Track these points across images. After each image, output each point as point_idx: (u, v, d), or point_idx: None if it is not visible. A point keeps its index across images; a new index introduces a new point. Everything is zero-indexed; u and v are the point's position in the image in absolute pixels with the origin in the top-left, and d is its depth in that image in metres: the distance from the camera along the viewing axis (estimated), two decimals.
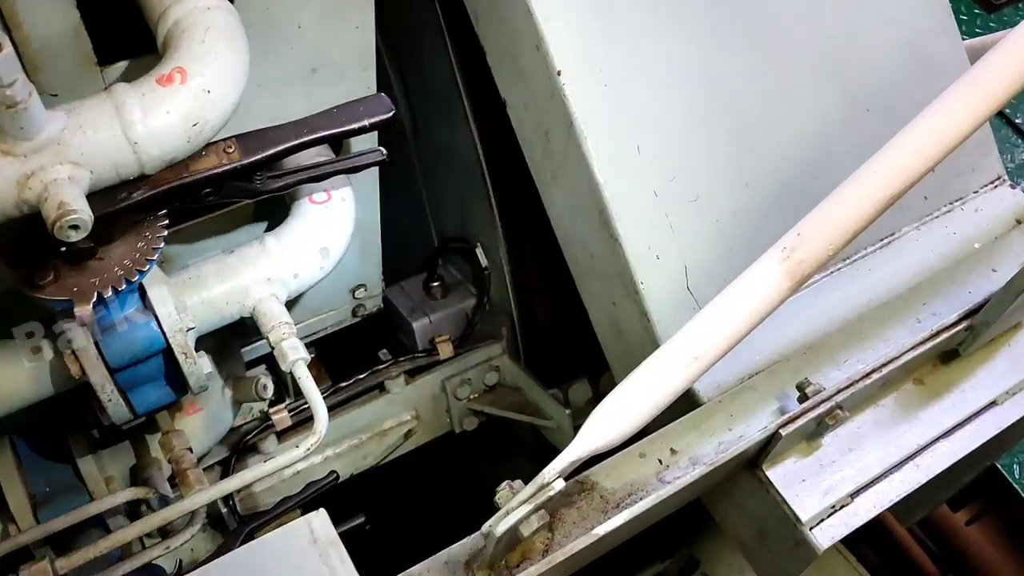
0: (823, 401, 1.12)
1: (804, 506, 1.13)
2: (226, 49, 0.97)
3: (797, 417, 1.11)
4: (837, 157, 1.36)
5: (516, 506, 0.96)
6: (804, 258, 0.95)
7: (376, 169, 1.46)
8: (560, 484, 0.98)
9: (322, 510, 0.91)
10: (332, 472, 1.41)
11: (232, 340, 1.45)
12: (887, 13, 1.42)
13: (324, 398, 1.65)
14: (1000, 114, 2.57)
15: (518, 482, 1.00)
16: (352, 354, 1.81)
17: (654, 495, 1.06)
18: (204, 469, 1.60)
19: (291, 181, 1.11)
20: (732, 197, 1.29)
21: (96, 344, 1.05)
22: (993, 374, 1.27)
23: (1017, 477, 2.05)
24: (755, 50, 1.33)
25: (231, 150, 1.02)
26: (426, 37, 1.53)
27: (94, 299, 0.97)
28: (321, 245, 1.22)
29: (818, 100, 1.36)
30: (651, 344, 1.27)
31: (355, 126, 1.08)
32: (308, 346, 1.76)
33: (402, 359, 1.72)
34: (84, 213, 0.88)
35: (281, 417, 1.58)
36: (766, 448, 1.12)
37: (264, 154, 1.04)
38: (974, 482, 1.89)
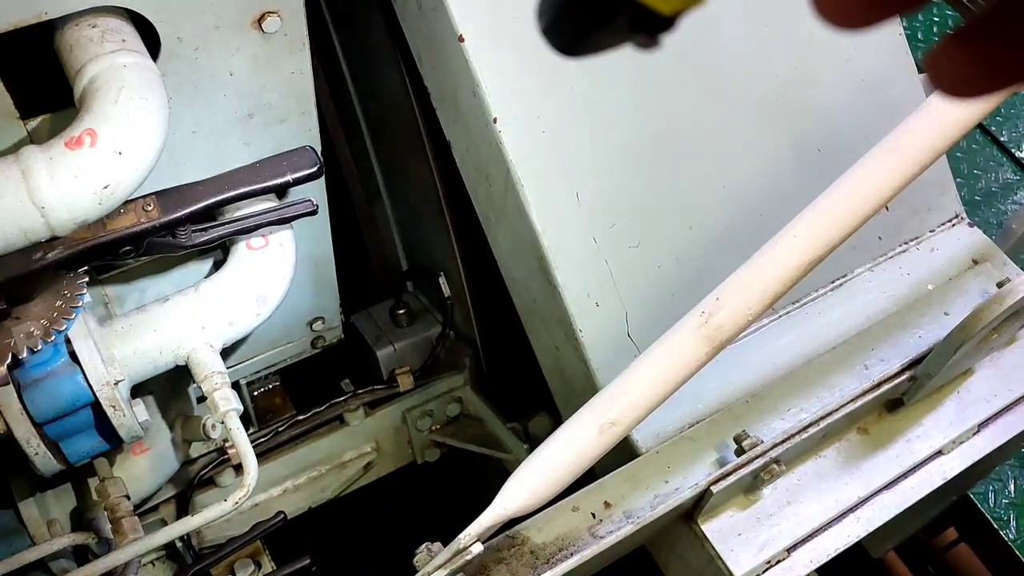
0: (758, 456, 1.11)
1: (739, 561, 1.12)
2: (140, 109, 0.96)
3: (730, 473, 1.09)
4: (787, 199, 1.33)
5: (432, 571, 0.96)
6: (723, 323, 0.93)
7: (327, 209, 1.44)
8: (478, 548, 0.97)
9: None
10: (280, 513, 1.40)
11: (182, 378, 1.44)
12: (840, 52, 1.39)
13: (281, 431, 1.69)
14: (985, 132, 2.54)
15: (437, 544, 0.99)
16: (320, 380, 1.81)
17: (586, 550, 1.05)
18: (160, 503, 1.61)
19: (217, 235, 1.10)
20: (675, 242, 1.28)
21: (20, 398, 1.05)
22: (940, 423, 1.25)
23: (991, 506, 2.02)
24: (700, 93, 1.31)
25: (150, 208, 1.01)
26: (386, 72, 1.52)
27: (8, 361, 0.97)
28: (258, 292, 1.21)
29: (766, 142, 1.34)
30: (591, 390, 1.25)
31: (278, 181, 1.07)
32: (272, 375, 1.77)
33: (361, 391, 1.71)
34: None
35: (235, 452, 1.58)
36: (700, 502, 1.11)
37: (184, 211, 1.03)
38: (949, 508, 1.88)
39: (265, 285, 1.22)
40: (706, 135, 1.30)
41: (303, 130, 1.29)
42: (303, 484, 1.68)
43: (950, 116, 0.98)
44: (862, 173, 0.96)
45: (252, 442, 1.59)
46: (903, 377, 1.19)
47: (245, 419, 1.64)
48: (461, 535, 0.96)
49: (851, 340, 1.30)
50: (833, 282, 1.38)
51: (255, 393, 1.74)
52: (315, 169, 1.09)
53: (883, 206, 0.96)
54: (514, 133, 1.19)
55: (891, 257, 1.41)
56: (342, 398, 1.70)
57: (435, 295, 1.81)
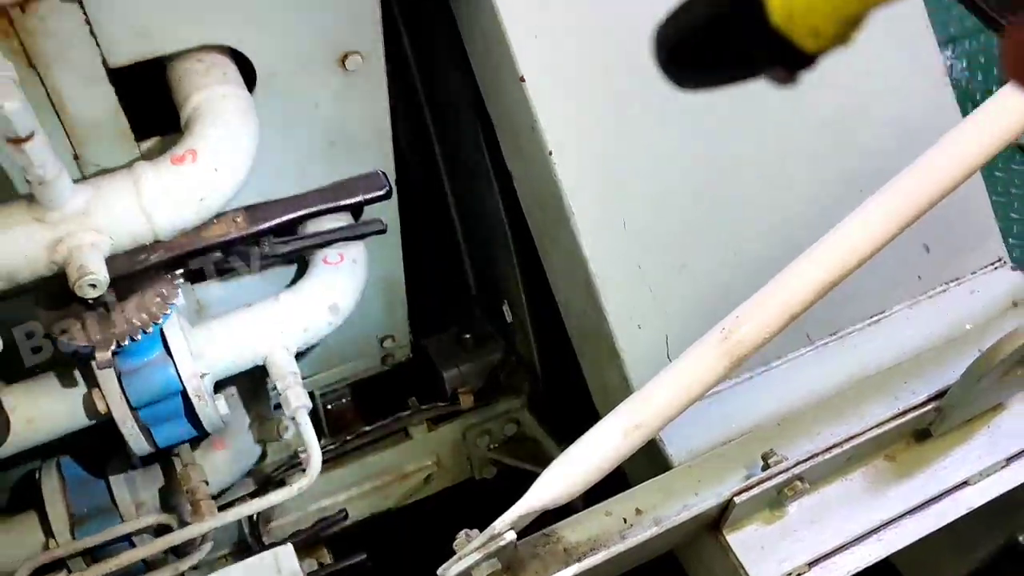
0: (781, 472, 1.17)
1: (760, 572, 1.18)
2: (234, 134, 1.11)
3: (753, 486, 1.16)
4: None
5: (468, 553, 1.05)
6: (742, 339, 1.02)
7: (398, 232, 1.58)
8: (511, 535, 1.07)
9: (289, 545, 1.02)
10: (342, 510, 1.52)
11: (261, 383, 1.58)
12: (884, 89, 1.46)
13: (349, 440, 1.81)
14: None
15: (475, 531, 1.09)
16: (389, 396, 1.94)
17: (613, 549, 1.14)
18: (236, 500, 1.75)
19: (296, 247, 1.24)
20: (717, 270, 1.36)
21: (120, 384, 1.20)
22: (968, 455, 1.30)
23: None
24: (750, 130, 1.40)
25: (239, 220, 1.16)
26: (461, 111, 1.65)
27: (112, 346, 1.11)
28: (331, 303, 1.35)
29: (812, 178, 1.42)
30: None
31: (350, 201, 1.21)
32: (344, 389, 1.90)
33: (425, 407, 1.83)
34: (100, 275, 1.02)
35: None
36: (725, 513, 1.18)
37: (267, 224, 1.17)
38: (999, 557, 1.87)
39: (338, 296, 1.36)
40: (753, 168, 1.38)
41: (380, 157, 1.43)
42: (367, 492, 1.80)
43: (964, 143, 1.05)
44: (876, 203, 1.04)
45: (322, 449, 1.73)
46: (929, 407, 1.24)
47: (317, 428, 1.78)
48: (496, 522, 1.05)
49: (884, 372, 1.36)
50: (872, 317, 1.44)
51: (328, 406, 1.88)
52: (384, 192, 1.22)
53: (895, 236, 1.03)
54: (568, 165, 1.30)
55: (931, 297, 1.46)
56: (407, 412, 1.82)
57: (499, 321, 1.92)
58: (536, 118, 1.29)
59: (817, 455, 1.19)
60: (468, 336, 1.96)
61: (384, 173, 1.28)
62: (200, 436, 1.36)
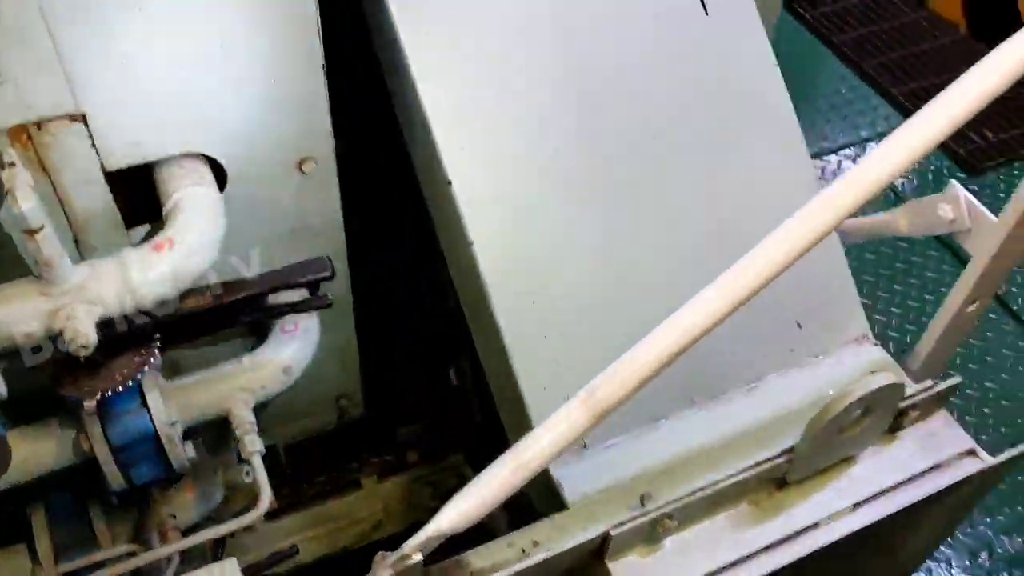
0: (654, 510, 1.41)
1: None
2: (205, 227, 1.37)
3: (627, 522, 1.39)
4: None
5: (381, 571, 1.28)
6: (601, 399, 1.26)
7: (351, 308, 1.84)
8: (418, 556, 1.29)
9: (233, 559, 1.24)
10: (294, 546, 1.74)
11: (225, 435, 1.82)
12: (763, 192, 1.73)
13: (305, 488, 2.04)
14: None
15: (390, 553, 1.32)
16: (347, 450, 2.17)
17: (513, 570, 1.36)
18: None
19: (256, 318, 1.50)
20: (615, 344, 1.61)
21: (103, 428, 1.44)
22: (820, 501, 1.52)
23: None
24: (648, 226, 1.67)
25: (208, 295, 1.41)
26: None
27: (98, 397, 1.36)
28: (285, 365, 1.60)
29: (714, 259, 1.67)
30: None
31: (301, 280, 1.47)
32: (304, 442, 2.13)
33: (374, 460, 2.06)
34: (90, 339, 1.27)
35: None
36: (605, 544, 1.41)
37: (232, 299, 1.42)
38: None
39: (291, 360, 1.61)
40: (648, 260, 1.64)
41: (333, 243, 1.69)
42: (320, 535, 2.02)
43: (788, 230, 1.29)
44: (714, 285, 1.29)
45: (280, 496, 1.96)
46: (781, 459, 1.48)
47: (279, 477, 2.01)
48: (404, 545, 1.28)
49: (755, 431, 1.60)
50: (749, 384, 1.68)
51: (289, 457, 2.11)
52: (328, 273, 1.48)
53: (729, 314, 1.27)
54: (488, 257, 1.55)
55: (801, 368, 1.71)
56: (358, 465, 2.05)
57: (447, 385, 2.17)
58: (461, 215, 1.56)
59: (684, 498, 1.42)
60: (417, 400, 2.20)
61: (329, 258, 1.54)
62: (170, 477, 1.59)
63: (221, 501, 1.80)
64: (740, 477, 1.46)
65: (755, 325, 1.70)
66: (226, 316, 1.46)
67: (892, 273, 2.81)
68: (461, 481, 2.15)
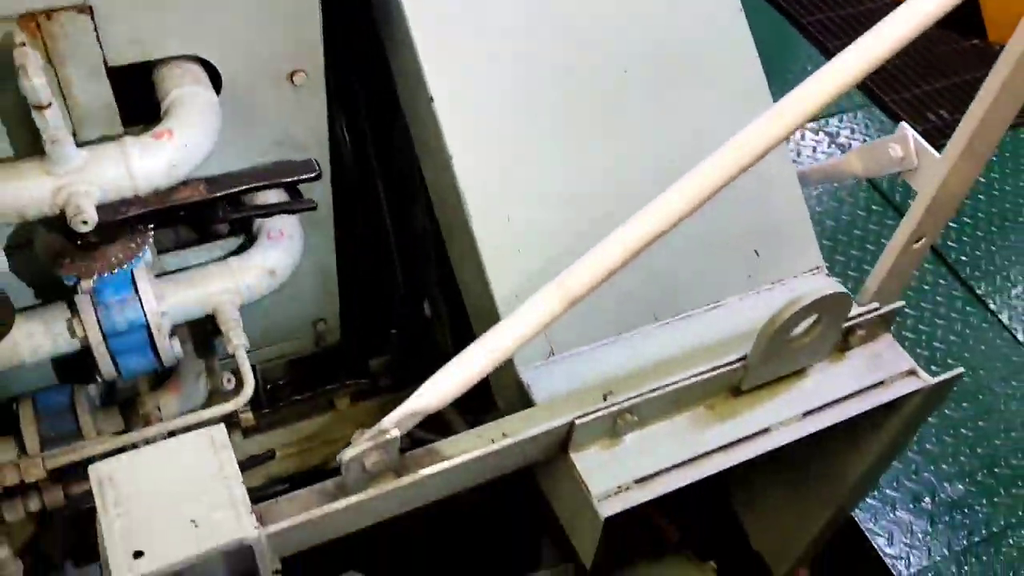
0: (615, 405, 1.50)
1: (595, 484, 1.49)
2: (201, 121, 1.45)
3: (591, 414, 1.49)
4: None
5: (360, 443, 1.36)
6: (572, 286, 1.35)
7: (331, 226, 1.92)
8: (396, 432, 1.38)
9: (222, 424, 1.32)
10: (271, 450, 1.82)
11: (212, 339, 1.89)
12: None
13: (282, 407, 2.11)
14: None
15: (367, 430, 1.40)
16: (322, 376, 2.24)
17: (477, 453, 1.45)
18: None
19: (244, 214, 1.58)
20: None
21: (96, 315, 1.51)
22: (772, 409, 1.63)
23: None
24: (621, 142, 1.76)
25: (201, 187, 1.49)
26: (397, 125, 2.00)
27: (94, 278, 1.43)
28: (270, 268, 1.67)
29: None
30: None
31: (288, 179, 1.55)
32: (281, 365, 2.20)
33: (349, 383, 2.14)
34: (90, 215, 1.34)
35: (247, 416, 2.00)
36: (569, 434, 1.50)
37: (223, 192, 1.50)
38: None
39: (276, 264, 1.69)
40: (620, 179, 1.73)
41: (318, 157, 1.77)
42: (294, 452, 2.10)
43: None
44: (674, 187, 1.39)
45: (257, 414, 2.03)
46: (736, 365, 1.58)
47: (255, 398, 2.08)
48: (383, 420, 1.37)
49: (716, 343, 1.70)
50: (709, 304, 1.78)
51: (266, 379, 2.18)
52: (315, 174, 1.56)
53: (683, 217, 1.37)
54: (466, 169, 1.64)
55: (758, 293, 1.82)
56: (333, 387, 2.13)
57: (420, 316, 2.25)
58: (441, 131, 1.65)
59: (644, 394, 1.52)
60: (393, 330, 2.29)
61: (316, 161, 1.62)
62: (158, 372, 1.66)
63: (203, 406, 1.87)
64: (696, 379, 1.56)
65: (717, 250, 1.81)
66: (215, 210, 1.53)
67: (849, 239, 2.95)
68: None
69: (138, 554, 1.19)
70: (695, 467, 1.55)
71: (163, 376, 1.82)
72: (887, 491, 2.44)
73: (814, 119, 1.35)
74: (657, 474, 1.53)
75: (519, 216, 1.68)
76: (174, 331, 1.64)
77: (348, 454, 1.35)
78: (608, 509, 1.48)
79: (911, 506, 2.42)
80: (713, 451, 1.57)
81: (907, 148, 1.80)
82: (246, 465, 1.86)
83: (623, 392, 1.56)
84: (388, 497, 1.41)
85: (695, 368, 1.59)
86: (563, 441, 1.52)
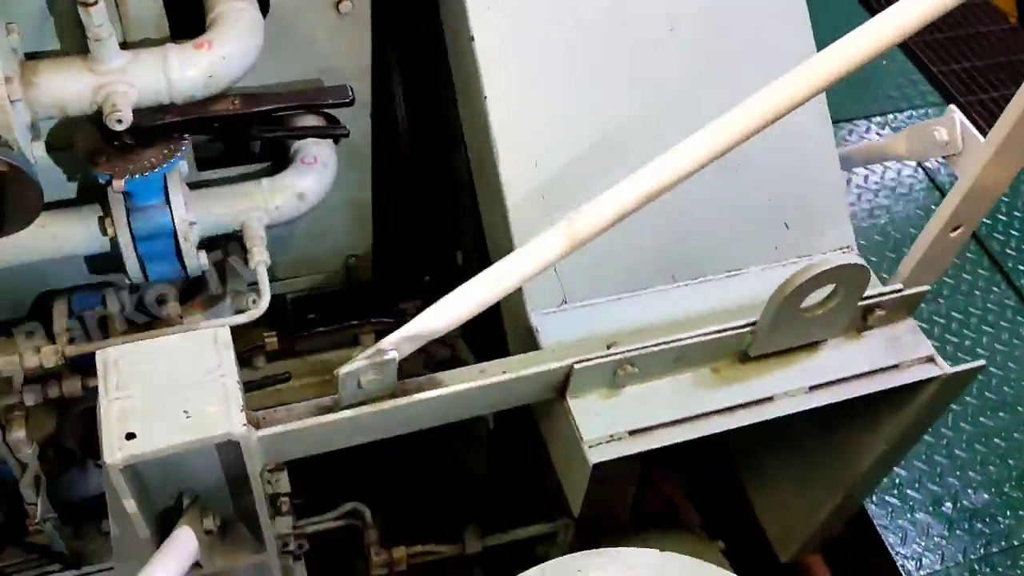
0: (615, 354, 1.51)
1: (588, 429, 1.50)
2: (243, 35, 1.49)
3: (590, 360, 1.50)
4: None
5: (359, 360, 1.40)
6: (580, 227, 1.36)
7: (368, 161, 1.96)
8: (394, 354, 1.41)
9: (227, 327, 1.36)
10: (287, 373, 1.87)
11: (240, 263, 1.94)
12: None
13: (309, 336, 2.16)
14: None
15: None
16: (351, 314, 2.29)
17: (474, 384, 1.47)
18: None
19: (278, 135, 1.62)
20: None
21: (127, 217, 1.57)
22: (779, 378, 1.61)
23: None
24: (653, 104, 1.76)
25: (236, 101, 1.53)
26: (441, 72, 2.02)
27: (127, 177, 1.49)
28: (300, 191, 1.72)
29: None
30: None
31: (320, 102, 1.58)
32: (313, 298, 2.26)
33: (374, 321, 2.18)
34: (126, 115, 1.40)
35: (272, 341, 2.07)
36: (568, 379, 1.51)
37: (256, 108, 1.55)
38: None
39: (307, 188, 1.73)
40: (646, 131, 1.72)
41: (359, 89, 1.80)
42: (313, 383, 2.15)
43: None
44: (680, 149, 1.38)
45: (283, 341, 2.08)
46: (745, 329, 1.57)
47: (283, 325, 2.14)
48: (382, 340, 1.40)
49: (730, 309, 1.69)
50: (729, 271, 1.77)
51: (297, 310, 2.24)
52: (348, 100, 1.60)
53: (691, 173, 1.36)
54: (499, 113, 1.65)
55: (783, 265, 1.79)
56: (358, 323, 2.17)
57: (452, 264, 2.28)
58: (479, 71, 1.67)
59: (647, 347, 1.52)
60: (426, 277, 2.32)
61: (351, 87, 1.65)
62: (184, 280, 1.72)
63: None
64: (702, 339, 1.56)
65: (745, 218, 1.80)
66: (248, 125, 1.58)
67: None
68: (454, 352, 2.28)
69: (130, 436, 1.24)
70: (692, 426, 1.55)
71: (192, 295, 1.88)
72: (908, 491, 2.39)
73: (851, 73, 1.32)
74: (652, 428, 1.53)
75: (547, 162, 1.69)
76: (204, 243, 1.70)
77: (344, 370, 1.38)
78: (597, 456, 1.49)
79: (931, 508, 2.37)
80: (712, 412, 1.56)
81: (953, 132, 1.76)
82: (261, 384, 1.92)
83: (627, 344, 1.57)
84: (380, 417, 1.44)
85: (703, 329, 1.59)
86: (562, 385, 1.53)
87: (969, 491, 2.41)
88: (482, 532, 2.02)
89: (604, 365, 1.51)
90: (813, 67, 1.35)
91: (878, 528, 2.33)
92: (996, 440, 2.51)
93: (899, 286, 1.68)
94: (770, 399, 1.60)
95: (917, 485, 2.41)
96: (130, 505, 1.30)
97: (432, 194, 2.27)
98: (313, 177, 1.74)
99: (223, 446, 1.31)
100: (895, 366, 1.66)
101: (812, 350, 1.66)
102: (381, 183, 2.06)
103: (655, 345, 1.53)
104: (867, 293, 1.66)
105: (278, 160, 1.78)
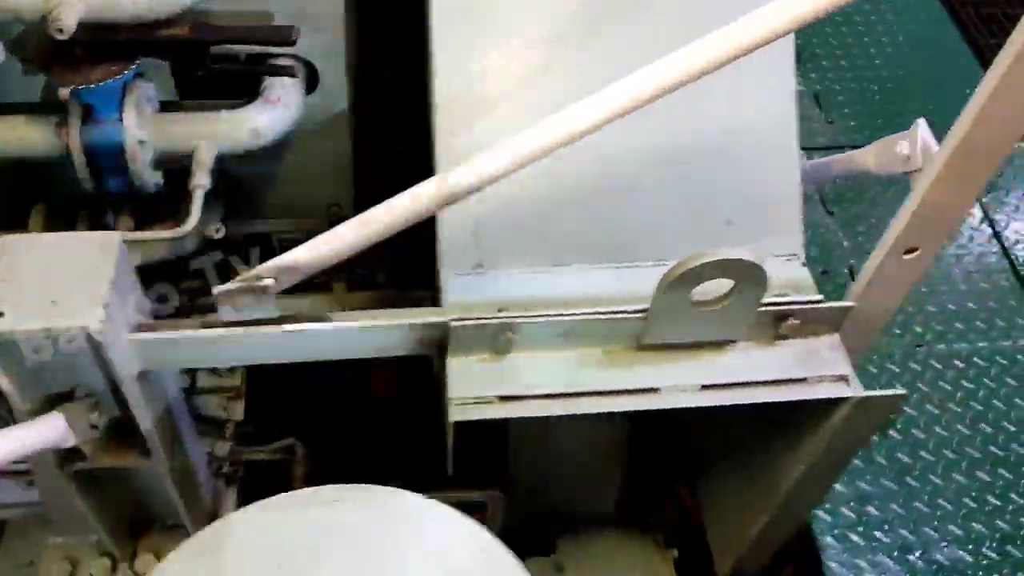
0: (496, 318, 1.51)
1: (458, 388, 1.51)
2: None
3: (468, 320, 1.50)
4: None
5: (235, 282, 1.46)
6: (454, 182, 1.37)
7: (347, 110, 2.02)
8: (269, 281, 1.46)
9: (119, 235, 1.45)
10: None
11: (215, 203, 2.04)
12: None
13: None
14: None
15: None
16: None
17: (344, 325, 1.51)
18: None
19: (224, 68, 1.71)
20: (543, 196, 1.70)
21: (80, 128, 1.69)
22: (671, 371, 1.56)
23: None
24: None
25: (185, 29, 1.63)
26: None
27: (82, 85, 1.61)
28: (254, 127, 1.80)
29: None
30: None
31: (263, 39, 1.66)
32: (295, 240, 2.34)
33: (348, 271, 2.25)
34: (67, 23, 1.51)
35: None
36: (447, 336, 1.52)
37: (203, 37, 1.63)
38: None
39: (262, 125, 1.81)
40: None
41: (334, 40, 1.87)
42: None
43: None
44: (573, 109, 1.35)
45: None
46: (636, 313, 1.53)
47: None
48: (259, 267, 1.45)
49: (638, 298, 1.64)
50: (658, 260, 1.72)
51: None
52: (291, 41, 1.66)
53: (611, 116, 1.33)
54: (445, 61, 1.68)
55: None
56: (332, 270, 2.23)
57: None
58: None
59: (529, 316, 1.52)
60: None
61: (296, 28, 1.71)
62: (136, 195, 1.82)
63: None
64: (588, 317, 1.54)
65: (685, 207, 1.75)
66: (201, 55, 1.67)
67: None
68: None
69: (0, 314, 1.35)
70: (567, 403, 1.53)
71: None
72: (876, 532, 2.26)
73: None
74: (524, 397, 1.52)
75: (484, 124, 1.70)
76: (162, 163, 1.80)
77: (218, 289, 1.45)
78: (459, 414, 1.50)
79: (895, 555, 2.23)
80: (591, 393, 1.54)
81: (914, 147, 1.65)
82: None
83: (519, 312, 1.56)
84: (254, 340, 1.50)
85: (592, 309, 1.56)
86: (443, 342, 1.55)
87: (943, 545, 2.26)
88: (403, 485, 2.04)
89: (484, 328, 1.52)
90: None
91: (832, 563, 2.22)
92: (989, 497, 2.34)
93: (817, 296, 1.60)
94: (656, 390, 1.56)
95: (887, 527, 2.28)
96: (3, 381, 1.41)
97: (412, 154, 2.31)
98: (271, 115, 1.81)
99: (97, 346, 1.39)
100: (803, 380, 1.59)
101: (719, 350, 1.60)
102: (365, 139, 2.12)
103: (539, 316, 1.52)
104: (783, 299, 1.60)
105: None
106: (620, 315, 1.54)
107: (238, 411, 2.21)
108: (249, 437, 2.21)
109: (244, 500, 2.08)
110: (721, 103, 1.77)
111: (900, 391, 1.57)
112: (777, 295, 1.63)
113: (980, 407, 2.50)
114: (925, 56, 3.42)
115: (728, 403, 1.55)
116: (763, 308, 1.57)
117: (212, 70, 1.71)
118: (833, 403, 1.59)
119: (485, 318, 1.51)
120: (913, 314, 2.69)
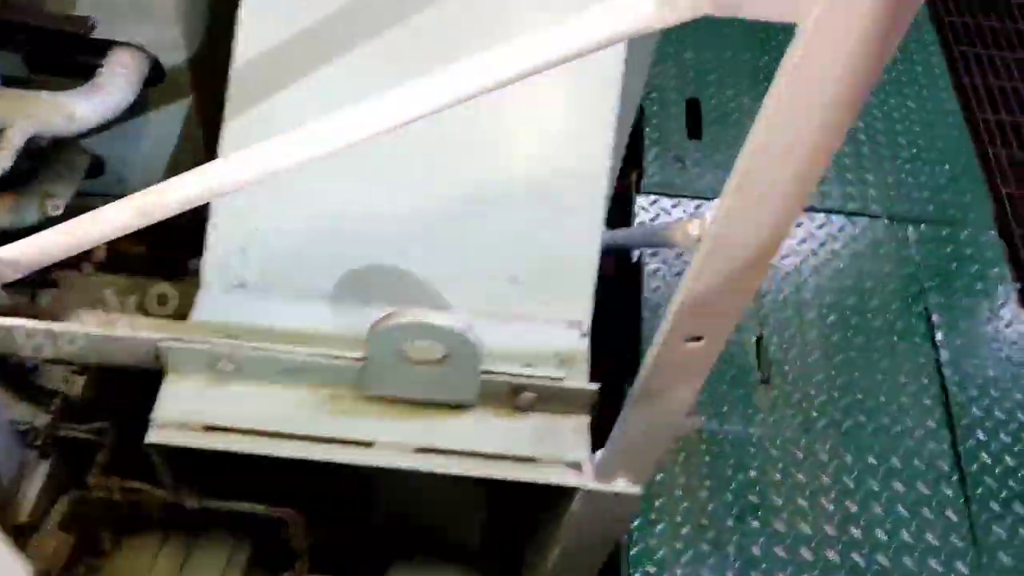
0: (208, 344, 1.46)
1: (165, 409, 1.47)
2: None
3: (179, 343, 1.46)
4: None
5: None
6: (150, 201, 1.32)
7: (192, 102, 2.00)
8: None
9: None
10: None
11: (73, 175, 2.05)
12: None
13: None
14: None
15: None
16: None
17: (71, 329, 1.49)
18: None
19: (28, 50, 1.71)
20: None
21: None
22: (391, 427, 1.48)
23: None
24: None
25: None
26: None
27: None
28: (72, 112, 1.79)
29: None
30: None
31: (57, 27, 1.65)
32: None
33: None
34: None
35: (100, 252, 2.17)
36: (159, 358, 1.48)
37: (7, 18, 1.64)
38: None
39: (80, 112, 1.79)
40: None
41: (176, 33, 1.85)
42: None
43: None
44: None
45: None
46: (352, 359, 1.45)
47: None
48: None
49: None
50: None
51: None
52: (84, 30, 1.65)
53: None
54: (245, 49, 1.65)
55: (490, 317, 1.61)
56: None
57: None
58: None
59: (246, 346, 1.46)
60: None
61: (93, 19, 1.69)
62: None
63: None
64: (308, 358, 1.47)
65: (469, 258, 1.66)
66: (11, 36, 1.68)
67: None
68: None
69: None
70: (275, 444, 1.47)
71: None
72: None
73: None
74: (231, 430, 1.47)
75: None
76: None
77: None
78: (155, 436, 1.46)
79: None
80: (303, 437, 1.48)
81: (704, 227, 1.52)
82: None
83: (245, 340, 1.51)
84: None
85: (312, 349, 1.49)
86: (160, 360, 1.50)
87: None
88: (202, 493, 2.02)
89: (198, 352, 1.47)
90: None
91: None
92: None
93: (558, 374, 1.49)
94: (370, 444, 1.48)
95: None
96: None
97: None
98: (90, 103, 1.80)
99: None
100: (531, 459, 1.48)
101: (452, 413, 1.52)
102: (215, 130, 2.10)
103: (255, 349, 1.47)
104: (523, 371, 1.50)
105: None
106: (339, 359, 1.47)
107: (77, 387, 2.21)
108: (79, 415, 2.22)
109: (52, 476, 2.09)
110: (532, 146, 1.68)
111: (637, 490, 1.45)
112: (526, 364, 1.53)
113: None
114: None
115: (440, 471, 1.47)
116: (496, 377, 1.47)
117: (26, 51, 1.72)
118: (568, 491, 1.48)
119: (199, 342, 1.46)
120: None
